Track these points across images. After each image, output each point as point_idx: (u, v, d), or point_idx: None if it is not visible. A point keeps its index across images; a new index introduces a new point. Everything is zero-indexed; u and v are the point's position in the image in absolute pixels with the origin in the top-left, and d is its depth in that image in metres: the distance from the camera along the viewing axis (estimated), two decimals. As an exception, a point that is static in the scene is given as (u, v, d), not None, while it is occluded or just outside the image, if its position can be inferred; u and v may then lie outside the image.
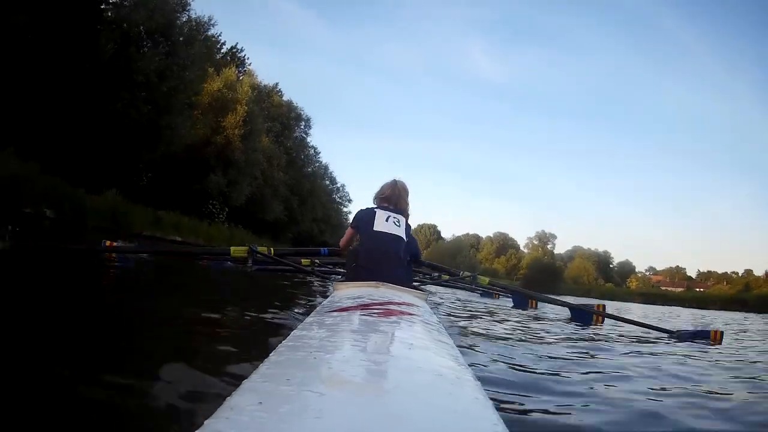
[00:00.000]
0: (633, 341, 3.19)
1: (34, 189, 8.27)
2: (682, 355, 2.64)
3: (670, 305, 24.79)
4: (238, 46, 20.92)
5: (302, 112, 25.49)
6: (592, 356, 2.35)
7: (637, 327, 3.90)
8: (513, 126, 73.30)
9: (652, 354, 2.64)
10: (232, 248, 3.45)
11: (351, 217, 2.84)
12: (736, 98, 58.61)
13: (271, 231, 19.85)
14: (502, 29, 70.96)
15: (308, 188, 25.07)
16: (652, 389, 1.65)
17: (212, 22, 16.17)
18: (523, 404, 1.31)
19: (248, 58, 21.75)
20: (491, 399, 0.69)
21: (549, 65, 69.59)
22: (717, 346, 3.38)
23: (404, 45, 72.52)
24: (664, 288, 47.88)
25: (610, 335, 3.43)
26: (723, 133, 63.34)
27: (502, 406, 1.24)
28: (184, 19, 13.80)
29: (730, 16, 61.10)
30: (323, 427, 0.49)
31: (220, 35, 19.42)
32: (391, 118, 78.45)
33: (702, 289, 43.33)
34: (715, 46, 63.38)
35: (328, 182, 30.23)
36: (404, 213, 2.51)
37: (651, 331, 3.83)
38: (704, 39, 61.66)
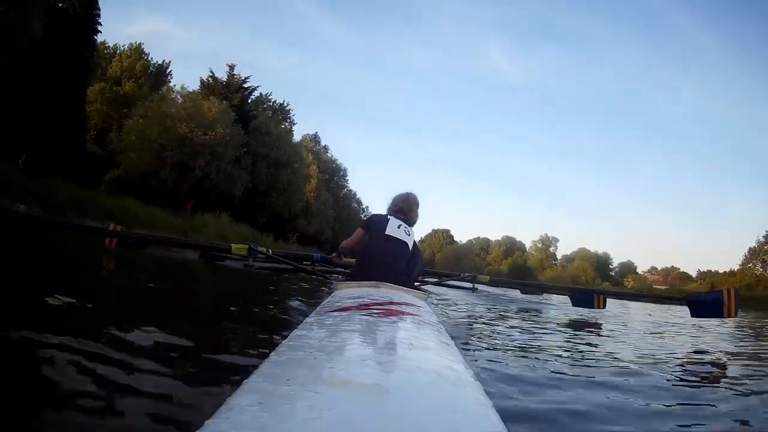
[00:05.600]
0: (637, 327, 3.17)
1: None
2: (690, 338, 2.60)
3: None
4: (285, 102, 30.02)
5: (341, 164, 37.83)
6: (595, 351, 2.35)
7: (647, 302, 3.87)
8: (530, 126, 73.77)
9: (657, 341, 2.62)
10: (233, 245, 3.46)
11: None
12: (750, 98, 58.76)
13: (322, 247, 27.77)
14: (518, 30, 71.29)
15: (346, 216, 35.94)
16: (658, 383, 1.64)
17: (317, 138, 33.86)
18: (523, 403, 1.31)
19: (293, 111, 30.80)
20: (491, 399, 0.69)
21: (562, 66, 69.67)
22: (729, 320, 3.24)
23: (419, 46, 73.15)
24: (656, 286, 49.28)
25: (613, 323, 3.42)
26: (735, 133, 63.37)
27: (503, 405, 1.24)
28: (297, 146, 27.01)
29: (743, 14, 60.99)
30: (323, 427, 0.49)
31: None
32: (408, 119, 78.95)
33: (686, 287, 45.39)
34: (729, 44, 63.25)
35: (356, 205, 40.23)
36: (413, 223, 2.67)
37: (652, 308, 3.81)
38: (718, 37, 61.62)
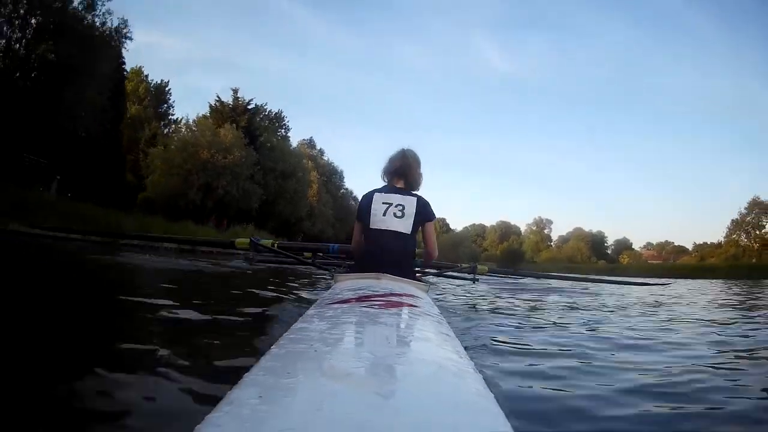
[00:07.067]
0: (648, 313, 3.17)
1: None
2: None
3: (629, 276, 27.02)
4: (279, 111, 31.76)
5: (338, 167, 41.00)
6: (599, 341, 2.33)
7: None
8: (520, 115, 74.55)
9: (665, 327, 2.61)
10: (236, 240, 3.46)
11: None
12: (741, 75, 58.84)
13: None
14: (508, 20, 71.31)
15: (344, 214, 38.09)
16: (665, 376, 1.62)
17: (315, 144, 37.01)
18: (525, 396, 1.31)
19: (288, 119, 32.47)
20: (492, 390, 0.69)
21: (549, 52, 69.87)
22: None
23: (411, 41, 73.65)
24: (651, 262, 49.93)
25: (617, 311, 3.42)
26: (728, 109, 63.59)
27: (504, 397, 1.24)
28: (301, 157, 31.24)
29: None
30: (324, 420, 0.49)
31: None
32: (400, 115, 79.51)
33: (680, 261, 46.31)
34: (720, 24, 63.11)
35: (353, 203, 42.52)
36: (415, 186, 2.33)
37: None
38: (709, 18, 61.39)
